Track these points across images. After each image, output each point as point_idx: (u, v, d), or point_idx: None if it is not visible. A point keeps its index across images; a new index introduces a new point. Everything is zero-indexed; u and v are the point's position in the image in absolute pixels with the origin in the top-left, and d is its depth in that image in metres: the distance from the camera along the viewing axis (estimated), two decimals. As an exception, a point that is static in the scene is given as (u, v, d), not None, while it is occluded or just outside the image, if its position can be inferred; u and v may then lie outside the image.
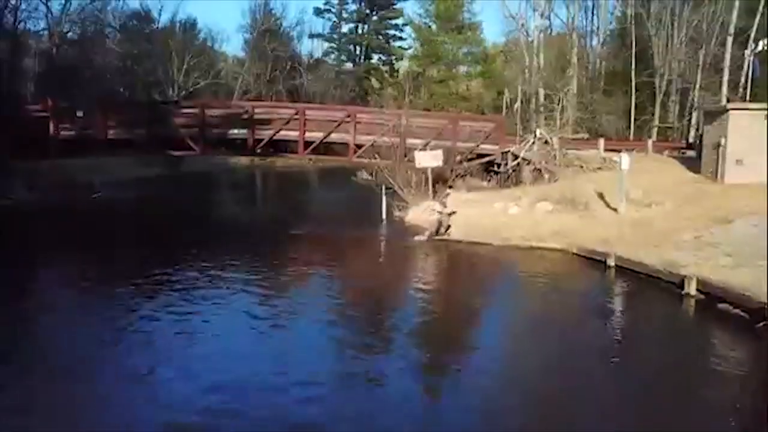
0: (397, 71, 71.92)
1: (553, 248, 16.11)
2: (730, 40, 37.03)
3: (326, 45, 71.91)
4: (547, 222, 18.07)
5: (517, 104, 41.47)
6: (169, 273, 13.81)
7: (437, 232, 18.24)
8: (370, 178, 34.46)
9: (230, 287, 12.69)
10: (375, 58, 72.48)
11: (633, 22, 38.18)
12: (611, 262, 13.98)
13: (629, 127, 36.99)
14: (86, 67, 45.74)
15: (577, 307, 12.14)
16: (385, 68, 72.24)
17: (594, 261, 14.65)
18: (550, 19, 41.33)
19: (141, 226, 22.98)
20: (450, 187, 19.70)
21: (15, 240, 19.55)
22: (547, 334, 10.39)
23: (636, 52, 37.87)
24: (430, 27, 44.53)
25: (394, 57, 71.69)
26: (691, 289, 11.56)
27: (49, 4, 41.80)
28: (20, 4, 39.15)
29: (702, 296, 11.41)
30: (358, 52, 71.88)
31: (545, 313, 11.58)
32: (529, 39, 41.97)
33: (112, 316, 10.91)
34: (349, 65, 71.44)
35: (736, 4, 36.57)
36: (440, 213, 18.81)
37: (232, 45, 67.21)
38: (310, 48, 72.74)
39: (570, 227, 17.30)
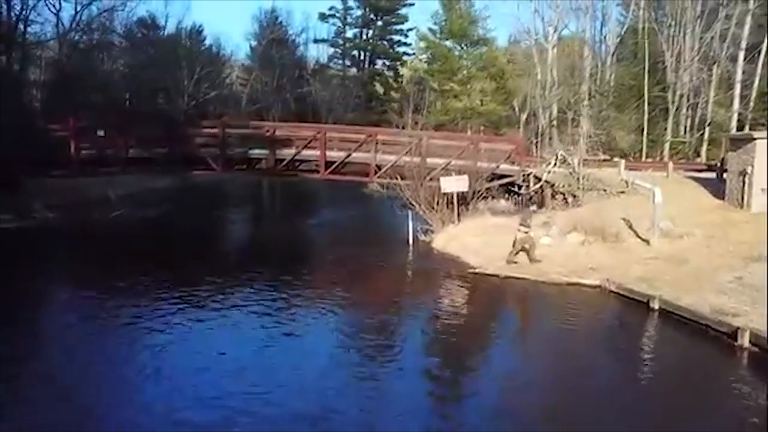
0: (402, 76, 72.09)
1: (590, 285, 16.16)
2: (741, 55, 37.35)
3: (331, 50, 72.07)
4: (580, 254, 18.16)
5: (525, 116, 41.78)
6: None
7: (517, 253, 17.95)
8: (381, 190, 34.54)
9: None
10: (379, 63, 72.66)
11: (645, 36, 38.34)
12: (655, 305, 14.02)
13: (642, 143, 37.10)
14: (94, 76, 45.83)
15: (628, 358, 12.08)
16: (389, 73, 72.43)
17: (635, 302, 14.71)
18: (559, 30, 41.48)
19: (167, 247, 23.25)
20: (535, 204, 18.70)
21: (52, 261, 19.79)
22: (605, 393, 10.43)
23: (647, 66, 38.03)
24: (440, 41, 44.55)
25: (399, 62, 71.84)
26: (745, 341, 11.62)
27: (60, 13, 41.79)
28: (29, 13, 39.10)
29: (756, 349, 11.49)
30: (362, 57, 71.99)
31: (598, 367, 11.62)
32: (539, 46, 42.15)
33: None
34: (353, 71, 71.54)
35: (748, 19, 36.86)
36: (525, 233, 17.99)
37: (239, 51, 66.77)
38: (316, 54, 72.76)
39: (604, 261, 17.40)
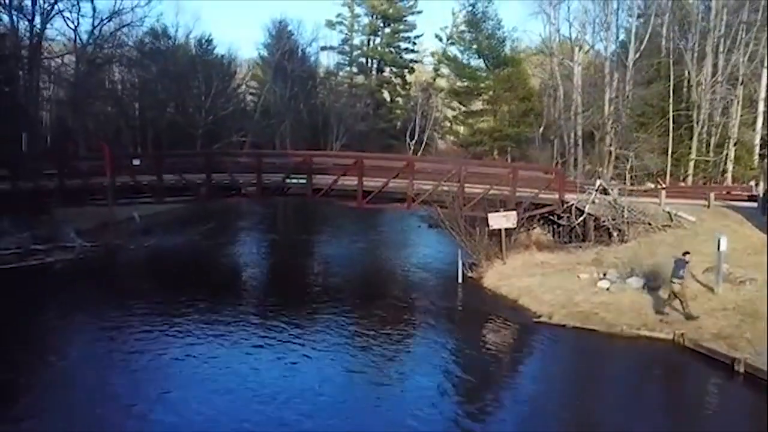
0: (409, 84, 71.95)
1: (663, 339, 16.08)
2: (765, 73, 37.45)
3: (338, 58, 71.85)
4: (645, 303, 18.01)
5: (544, 131, 41.77)
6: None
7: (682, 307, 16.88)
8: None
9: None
10: (387, 70, 72.47)
11: (670, 55, 38.37)
12: (740, 368, 13.91)
13: (666, 162, 37.12)
14: (107, 89, 45.56)
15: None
16: (397, 81, 72.33)
17: (716, 362, 14.57)
18: (583, 49, 41.46)
19: (205, 277, 24.05)
20: (687, 253, 17.39)
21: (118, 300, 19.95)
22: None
23: (672, 85, 38.05)
24: (466, 60, 44.37)
25: (406, 70, 71.70)
26: None
27: (78, 29, 41.30)
28: (45, 26, 38.61)
29: None
30: (369, 64, 71.77)
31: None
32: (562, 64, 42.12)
33: None
34: (360, 78, 71.36)
35: (772, 38, 36.93)
36: (679, 285, 16.84)
37: (249, 61, 66.57)
38: (326, 63, 72.52)
39: (671, 312, 17.26)
